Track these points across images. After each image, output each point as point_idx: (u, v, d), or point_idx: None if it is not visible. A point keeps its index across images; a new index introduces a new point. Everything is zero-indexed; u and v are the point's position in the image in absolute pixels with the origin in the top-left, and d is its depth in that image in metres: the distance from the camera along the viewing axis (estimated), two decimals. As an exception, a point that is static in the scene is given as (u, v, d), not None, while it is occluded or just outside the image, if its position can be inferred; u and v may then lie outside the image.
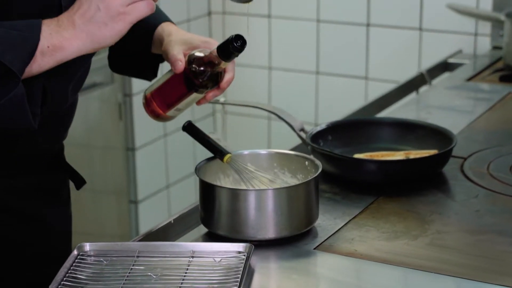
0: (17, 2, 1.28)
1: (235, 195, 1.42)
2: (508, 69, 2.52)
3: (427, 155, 1.71)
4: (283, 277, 1.37)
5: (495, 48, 2.74)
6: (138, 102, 2.92)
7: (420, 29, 2.88)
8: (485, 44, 2.79)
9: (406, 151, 1.76)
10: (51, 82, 1.34)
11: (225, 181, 1.54)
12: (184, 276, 1.28)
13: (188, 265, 1.32)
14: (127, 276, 1.28)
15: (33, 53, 1.22)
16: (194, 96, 1.44)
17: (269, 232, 1.42)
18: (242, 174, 1.51)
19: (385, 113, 2.29)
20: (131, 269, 1.31)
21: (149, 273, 1.29)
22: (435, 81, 2.55)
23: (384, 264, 1.37)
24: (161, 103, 1.46)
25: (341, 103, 2.97)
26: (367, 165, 1.68)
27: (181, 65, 1.40)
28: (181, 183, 3.25)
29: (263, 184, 1.50)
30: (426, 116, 2.10)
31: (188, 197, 3.17)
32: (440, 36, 2.85)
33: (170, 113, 1.47)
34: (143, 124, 2.99)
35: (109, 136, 2.98)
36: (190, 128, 1.53)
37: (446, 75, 2.62)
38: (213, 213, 1.45)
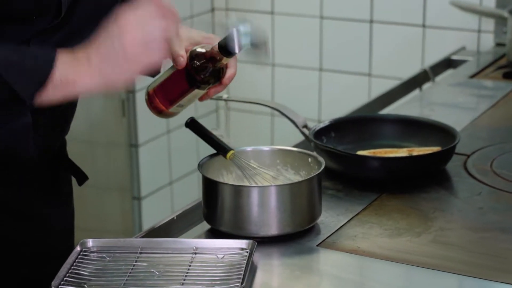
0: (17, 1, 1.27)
1: (238, 191, 1.42)
2: (512, 66, 2.51)
3: (430, 152, 1.71)
4: (286, 273, 1.37)
5: (499, 45, 2.73)
6: (141, 99, 2.91)
7: (424, 26, 2.88)
8: (488, 41, 2.79)
9: (409, 148, 1.76)
10: None
11: (228, 177, 1.54)
12: (187, 272, 1.28)
13: (191, 262, 1.32)
14: (130, 272, 1.28)
15: (45, 84, 1.19)
16: (196, 92, 1.43)
17: (272, 228, 1.42)
18: (245, 170, 1.51)
19: (388, 110, 2.28)
20: (134, 265, 1.31)
21: (152, 270, 1.29)
22: (438, 78, 2.54)
23: (387, 261, 1.37)
24: (163, 99, 1.46)
25: (344, 99, 2.97)
26: (370, 162, 1.68)
27: (182, 61, 1.39)
28: (184, 179, 3.24)
29: (266, 181, 1.50)
30: (429, 113, 2.09)
31: (191, 193, 3.17)
32: (443, 33, 2.85)
33: (172, 109, 1.47)
34: (146, 120, 2.99)
35: (112, 132, 2.97)
36: (193, 125, 1.53)
37: (449, 72, 2.61)
38: (216, 210, 1.44)
